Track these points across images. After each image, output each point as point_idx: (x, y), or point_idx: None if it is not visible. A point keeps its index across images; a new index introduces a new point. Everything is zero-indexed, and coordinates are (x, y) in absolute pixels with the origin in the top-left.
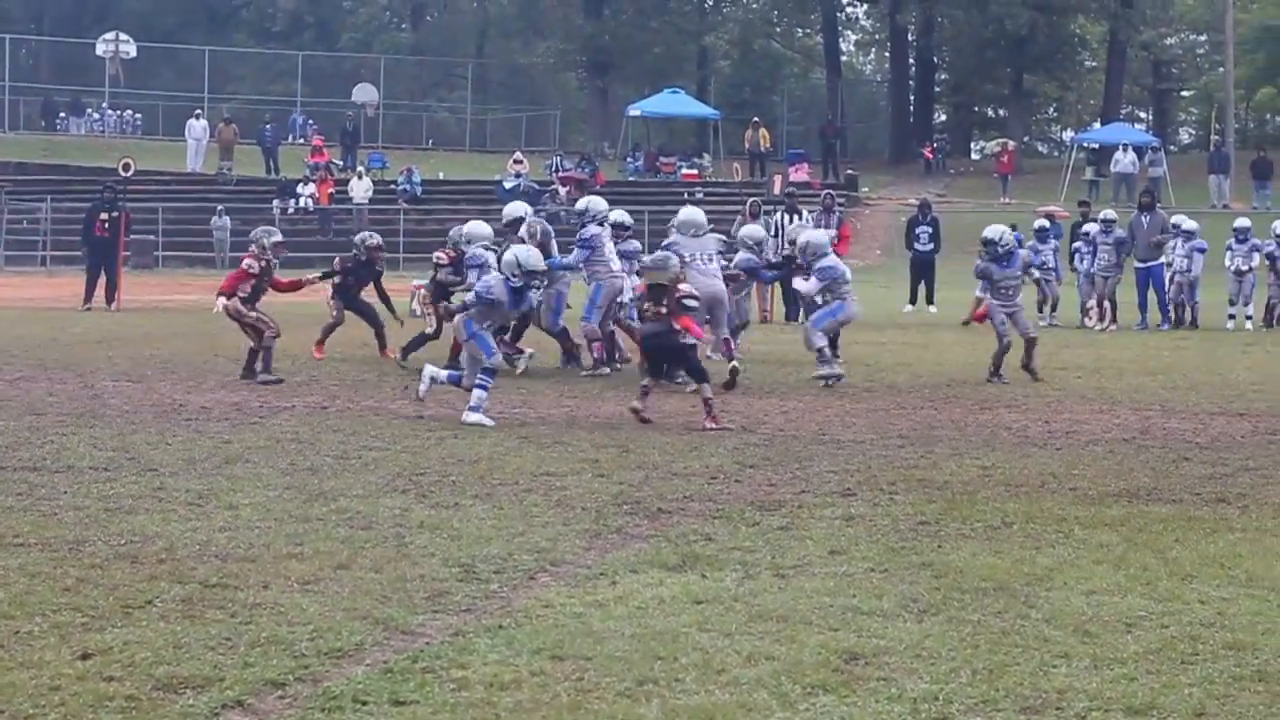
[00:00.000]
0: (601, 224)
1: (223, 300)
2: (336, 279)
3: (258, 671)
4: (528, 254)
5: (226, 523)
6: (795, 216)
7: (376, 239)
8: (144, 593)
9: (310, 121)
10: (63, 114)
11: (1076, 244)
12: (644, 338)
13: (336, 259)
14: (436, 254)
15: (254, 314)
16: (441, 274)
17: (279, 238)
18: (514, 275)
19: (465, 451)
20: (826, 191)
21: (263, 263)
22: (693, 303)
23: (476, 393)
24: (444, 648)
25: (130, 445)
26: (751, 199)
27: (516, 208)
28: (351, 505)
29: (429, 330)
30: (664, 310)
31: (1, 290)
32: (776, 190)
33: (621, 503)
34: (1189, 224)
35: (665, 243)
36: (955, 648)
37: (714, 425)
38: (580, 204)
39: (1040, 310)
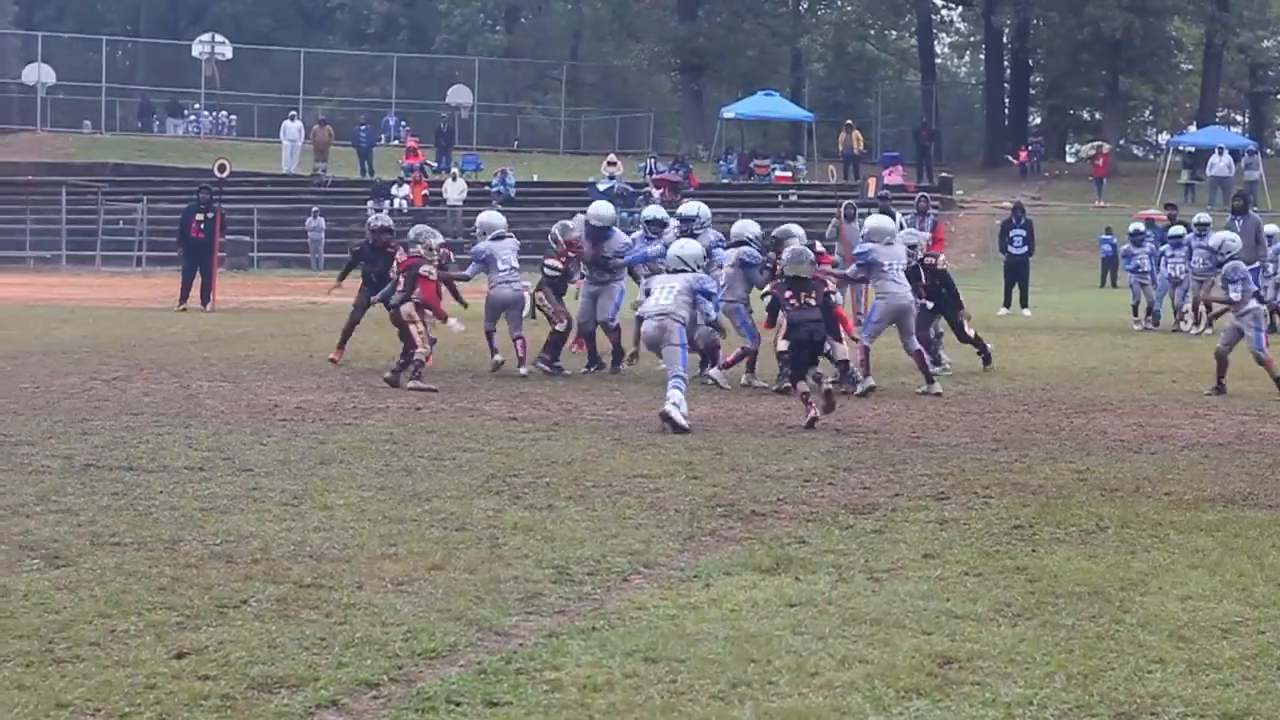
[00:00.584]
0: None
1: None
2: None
3: (352, 671)
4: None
5: (321, 523)
6: (889, 218)
7: (439, 237)
8: (239, 592)
9: (404, 123)
10: (159, 115)
11: (1163, 247)
12: (791, 326)
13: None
14: (547, 260)
15: (418, 325)
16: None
17: (441, 238)
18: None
19: (559, 453)
20: (921, 194)
21: (434, 263)
22: (837, 297)
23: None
24: (537, 649)
25: (226, 445)
26: (846, 201)
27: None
28: (445, 506)
29: (559, 327)
30: (812, 301)
31: (98, 290)
32: (871, 193)
33: (715, 505)
34: (1268, 228)
35: (858, 250)
36: (1049, 652)
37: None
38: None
39: (1135, 314)
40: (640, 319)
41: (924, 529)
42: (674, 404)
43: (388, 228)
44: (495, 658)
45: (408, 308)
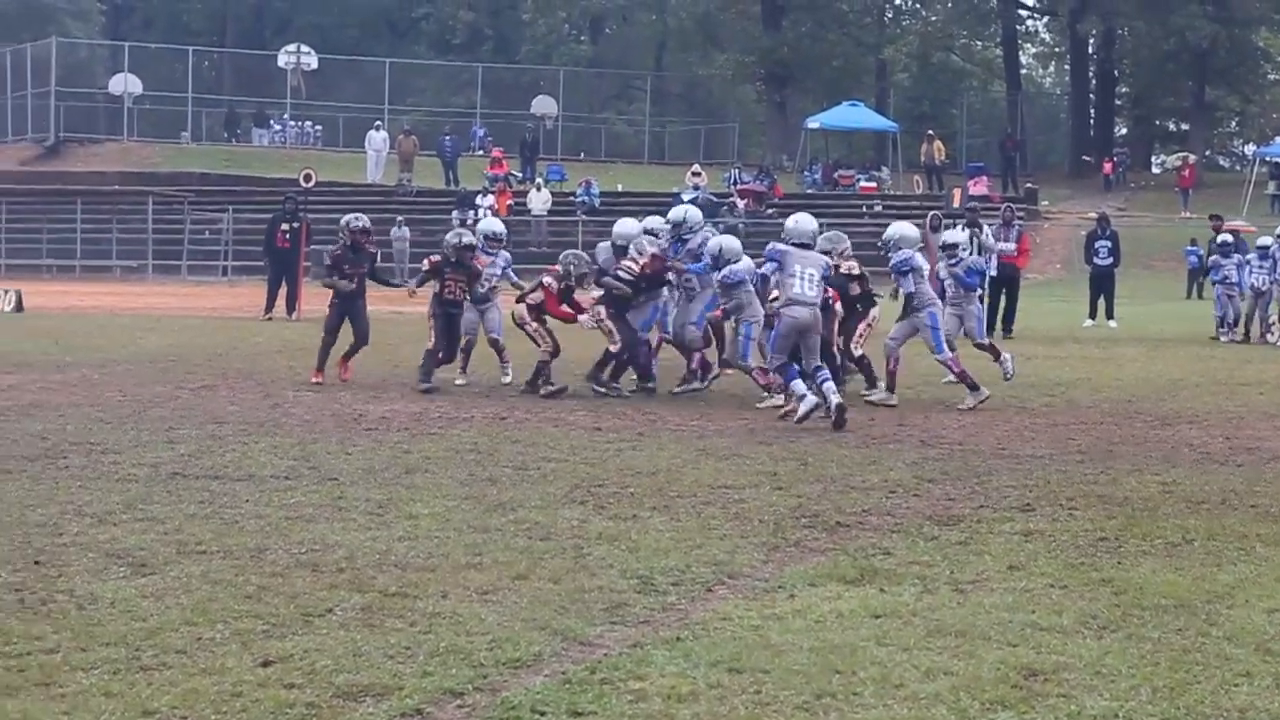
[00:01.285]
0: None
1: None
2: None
3: (437, 680)
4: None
5: (406, 532)
6: (977, 230)
7: (363, 221)
8: (324, 601)
9: (489, 133)
10: (245, 125)
11: (1249, 256)
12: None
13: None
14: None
15: (534, 326)
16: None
17: (585, 269)
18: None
19: (643, 463)
20: (1006, 205)
21: (562, 285)
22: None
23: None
24: (622, 659)
25: (311, 454)
26: (931, 212)
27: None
28: (530, 516)
29: (613, 348)
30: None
31: (184, 300)
32: (956, 203)
33: (799, 516)
34: None
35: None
36: (1135, 665)
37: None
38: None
39: (1221, 325)
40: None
41: (1009, 541)
42: (834, 393)
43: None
44: (580, 667)
45: (520, 309)
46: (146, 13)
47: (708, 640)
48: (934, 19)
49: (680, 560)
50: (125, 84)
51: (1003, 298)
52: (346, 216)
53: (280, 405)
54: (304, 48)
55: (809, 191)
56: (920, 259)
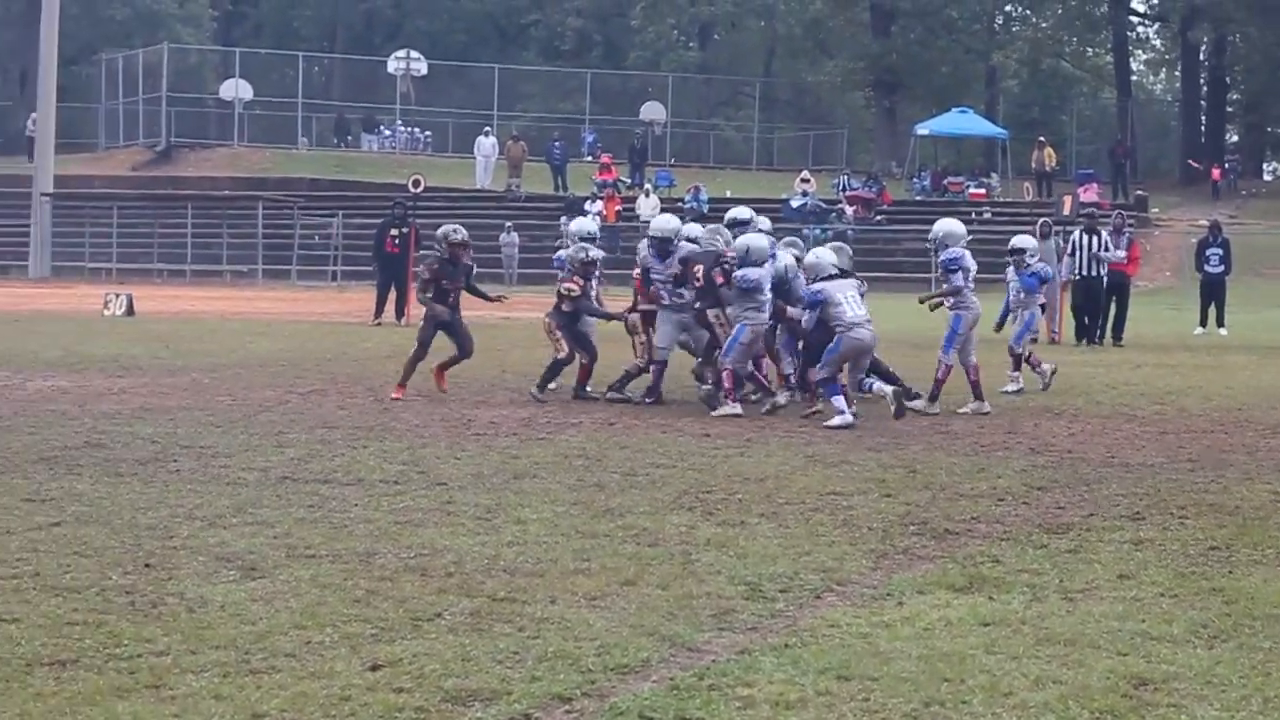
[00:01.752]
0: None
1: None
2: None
3: (545, 686)
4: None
5: (515, 537)
6: (1094, 238)
7: (462, 234)
8: (433, 605)
9: (597, 139)
10: (354, 131)
11: None
12: None
13: (421, 265)
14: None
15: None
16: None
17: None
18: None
19: (752, 470)
20: (1118, 212)
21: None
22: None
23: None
24: (730, 665)
25: (420, 459)
26: (1042, 219)
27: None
28: (638, 522)
29: (641, 363)
30: None
31: (293, 305)
32: (1066, 210)
33: (908, 523)
34: None
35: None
36: (1246, 675)
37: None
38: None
39: None
40: (854, 327)
41: (1119, 549)
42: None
43: (465, 241)
44: (688, 674)
45: (634, 318)
46: (257, 19)
47: (816, 647)
48: (1044, 25)
49: (788, 567)
50: (236, 89)
51: (1113, 305)
52: (445, 228)
53: (389, 410)
54: (413, 54)
55: (917, 198)
56: (970, 258)
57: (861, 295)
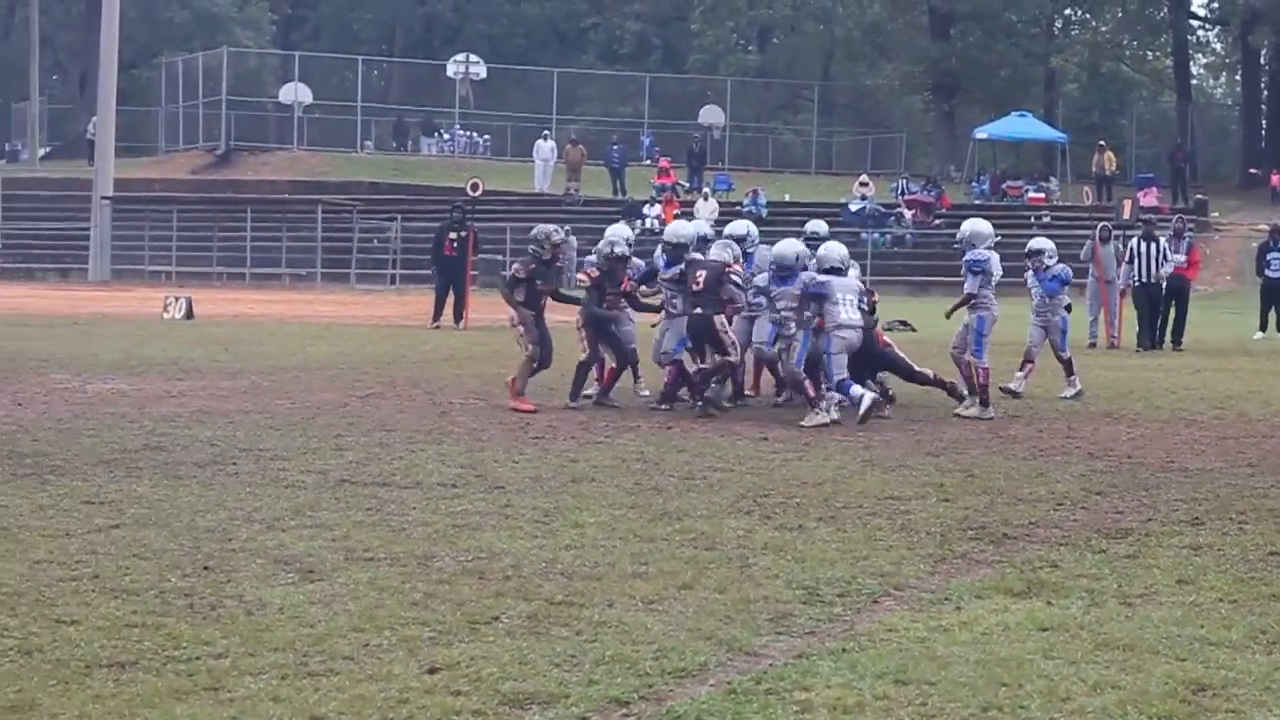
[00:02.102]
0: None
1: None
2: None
3: (602, 689)
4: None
5: (572, 541)
6: (1152, 244)
7: (561, 234)
8: (490, 608)
9: (654, 143)
10: (414, 134)
11: None
12: None
13: (517, 264)
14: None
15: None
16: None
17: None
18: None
19: (809, 473)
20: (1177, 216)
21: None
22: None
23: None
24: (787, 670)
25: (478, 463)
26: (1101, 224)
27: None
28: (696, 525)
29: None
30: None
31: (352, 308)
32: (1126, 215)
33: (966, 528)
34: None
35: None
36: None
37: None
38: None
39: None
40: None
41: (1178, 554)
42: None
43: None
44: (745, 678)
45: (720, 318)
46: (316, 22)
47: (874, 651)
48: (1103, 29)
49: (846, 571)
50: (295, 93)
51: (1172, 310)
52: (546, 227)
53: (448, 413)
54: (473, 57)
55: (976, 202)
56: (995, 261)
57: (864, 298)
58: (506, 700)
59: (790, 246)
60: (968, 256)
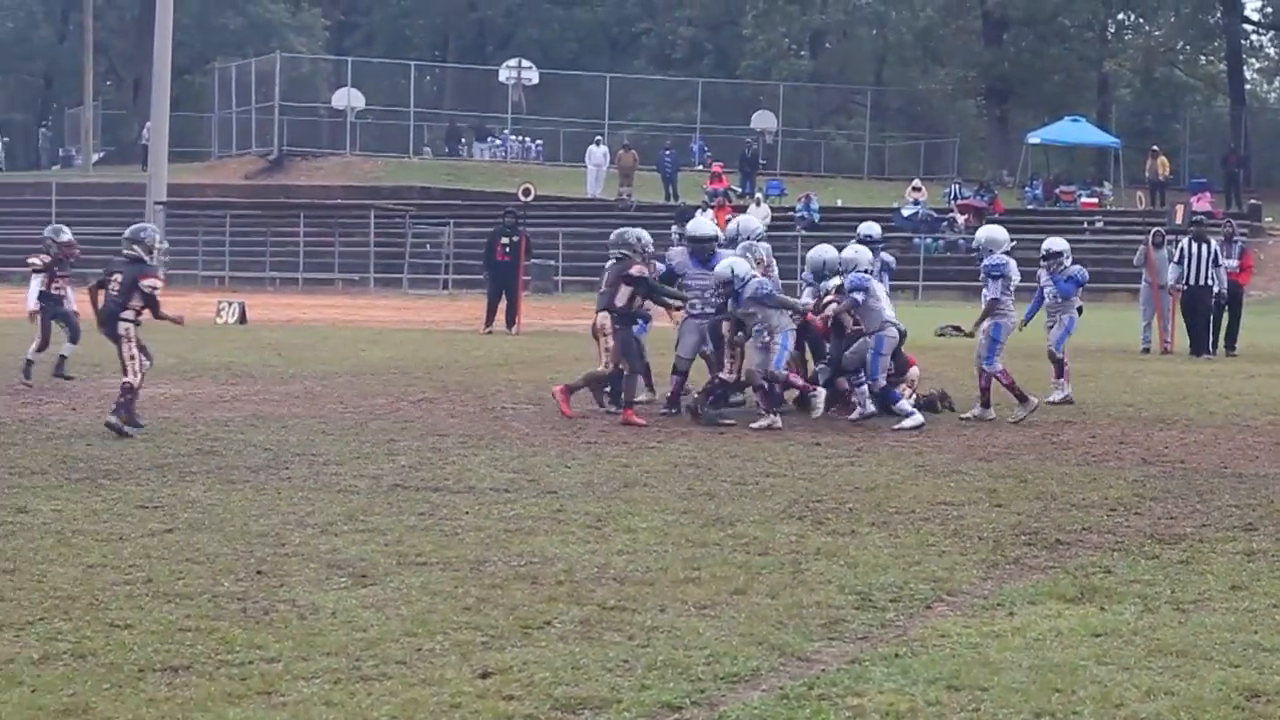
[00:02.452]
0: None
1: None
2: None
3: (654, 694)
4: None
5: (624, 546)
6: (1203, 246)
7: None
8: (543, 613)
9: (706, 148)
10: (466, 140)
11: None
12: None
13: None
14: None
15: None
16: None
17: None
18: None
19: (862, 479)
20: (1226, 219)
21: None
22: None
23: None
24: (840, 675)
25: (531, 467)
26: (1154, 229)
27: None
28: (748, 531)
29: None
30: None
31: (405, 313)
32: (1178, 219)
33: (1019, 533)
34: None
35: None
36: None
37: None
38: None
39: None
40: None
41: (1231, 560)
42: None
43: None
44: (797, 683)
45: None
46: (369, 28)
47: (926, 657)
48: (1157, 33)
49: (899, 577)
50: (348, 99)
51: (1225, 315)
52: (640, 232)
53: (500, 418)
54: (525, 62)
55: (1029, 207)
56: (1013, 267)
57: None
58: (559, 705)
59: (821, 253)
60: (986, 262)
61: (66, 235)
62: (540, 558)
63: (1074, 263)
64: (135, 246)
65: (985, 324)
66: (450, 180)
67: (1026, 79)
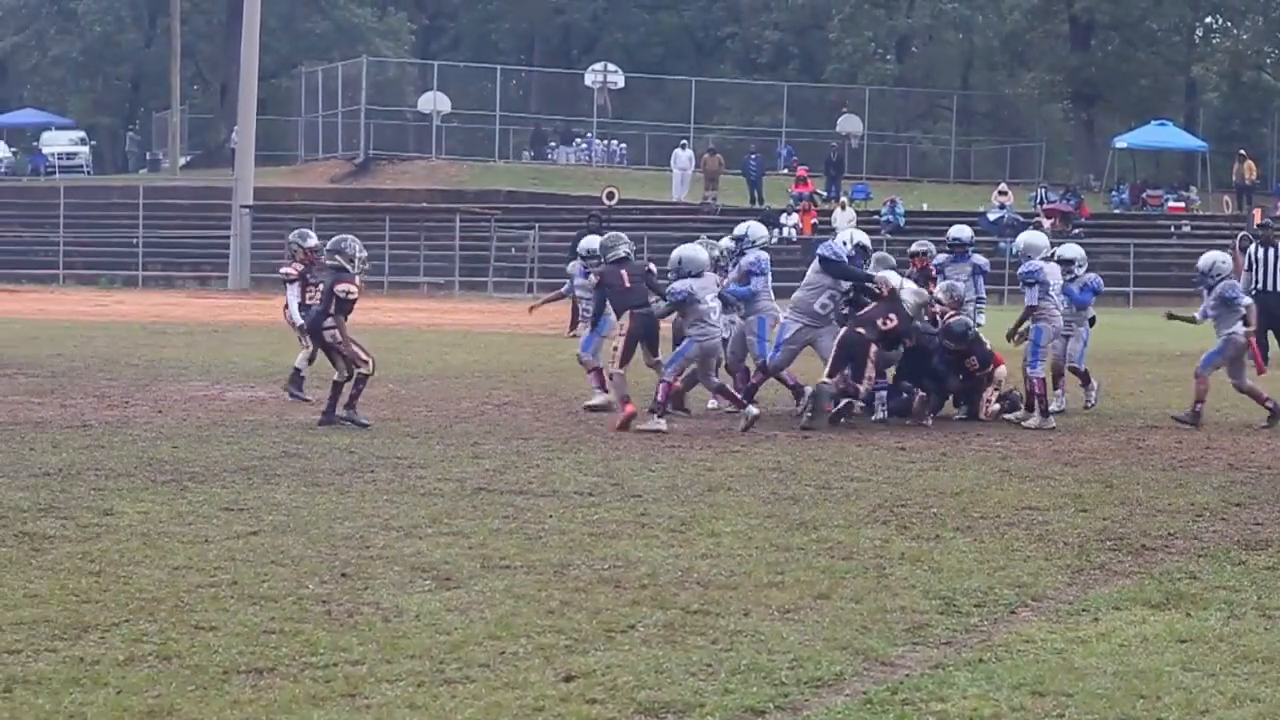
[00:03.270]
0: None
1: None
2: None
3: (738, 699)
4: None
5: (708, 550)
6: (1272, 249)
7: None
8: (626, 617)
9: (792, 152)
10: (552, 143)
11: None
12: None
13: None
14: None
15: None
16: None
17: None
18: None
19: (947, 484)
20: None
21: None
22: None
23: None
24: (923, 680)
25: (614, 471)
26: (1241, 233)
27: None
28: (832, 535)
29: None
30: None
31: (489, 316)
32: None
33: (1104, 539)
34: None
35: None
36: None
37: None
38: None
39: None
40: None
41: None
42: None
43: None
44: (881, 688)
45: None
46: (455, 32)
47: (1010, 662)
48: (1244, 37)
49: (983, 582)
50: (434, 102)
51: None
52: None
53: (584, 421)
54: (610, 66)
55: (1116, 211)
56: (1048, 271)
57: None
58: (642, 709)
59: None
60: (1022, 269)
61: (313, 240)
62: (624, 561)
63: (1088, 271)
64: (336, 257)
65: (1025, 327)
66: (535, 184)
67: (1113, 83)
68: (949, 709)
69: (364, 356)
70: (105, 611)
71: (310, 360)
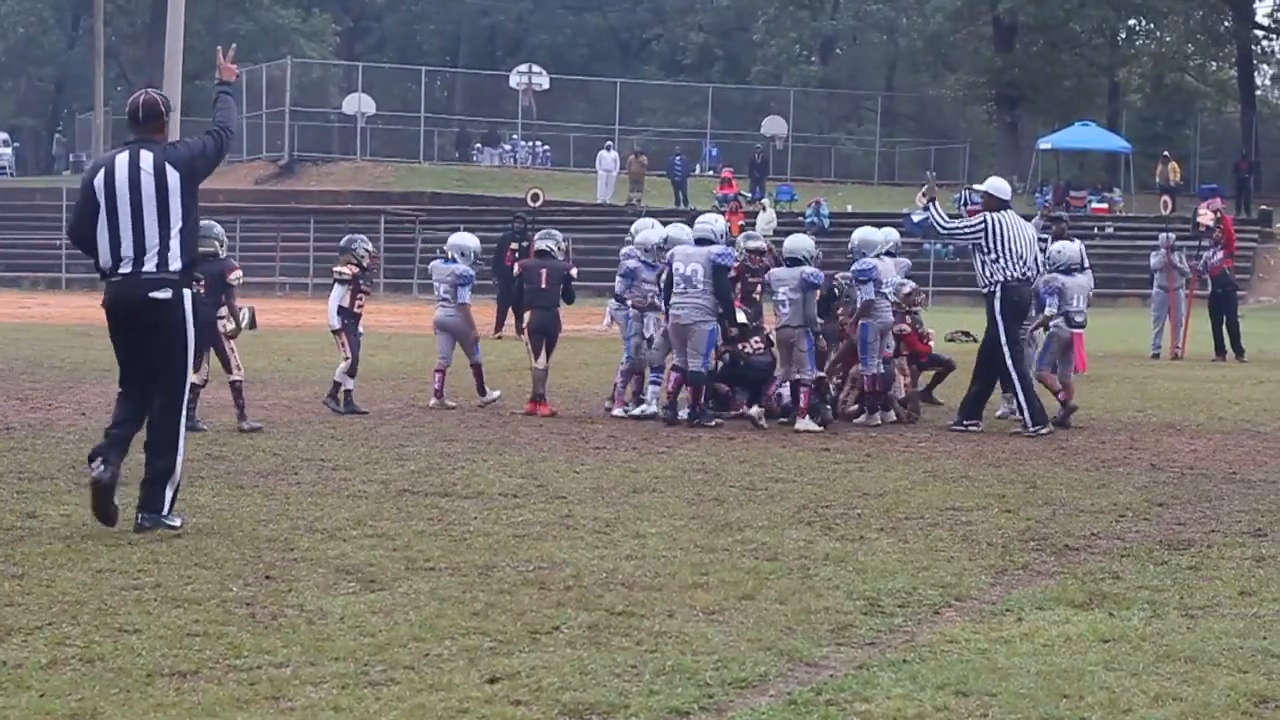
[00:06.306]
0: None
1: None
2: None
3: (663, 700)
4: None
5: (633, 551)
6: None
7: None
8: (551, 619)
9: (718, 154)
10: (477, 145)
11: None
12: None
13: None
14: None
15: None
16: None
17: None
18: None
19: (871, 484)
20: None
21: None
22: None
23: None
24: (848, 680)
25: (539, 473)
26: (1163, 233)
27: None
28: (757, 536)
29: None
30: None
31: (414, 318)
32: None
33: (1028, 539)
34: None
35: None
36: None
37: None
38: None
39: None
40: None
41: (1240, 566)
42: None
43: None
44: (805, 688)
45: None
46: (380, 33)
47: (934, 663)
48: (1167, 39)
49: (907, 582)
50: (359, 104)
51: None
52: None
53: (509, 424)
54: (535, 68)
55: (1040, 212)
56: (881, 270)
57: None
58: (567, 710)
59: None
60: (855, 266)
61: (369, 244)
62: (548, 563)
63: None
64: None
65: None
66: (460, 185)
67: (1037, 84)
68: (873, 709)
69: (237, 363)
70: (27, 614)
71: (351, 373)
